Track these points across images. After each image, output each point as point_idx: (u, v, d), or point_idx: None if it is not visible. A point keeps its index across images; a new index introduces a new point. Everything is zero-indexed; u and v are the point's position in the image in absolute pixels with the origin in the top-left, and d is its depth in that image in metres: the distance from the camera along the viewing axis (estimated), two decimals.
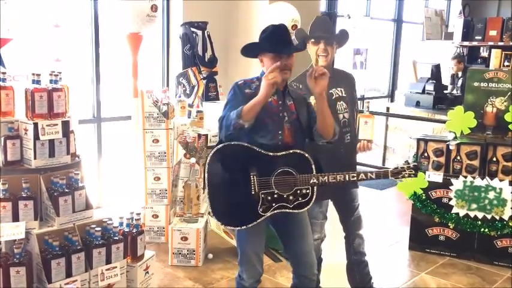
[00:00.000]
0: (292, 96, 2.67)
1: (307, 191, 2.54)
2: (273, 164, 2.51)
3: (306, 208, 2.57)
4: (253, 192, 2.50)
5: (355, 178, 2.60)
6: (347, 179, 2.58)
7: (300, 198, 2.54)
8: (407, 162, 2.68)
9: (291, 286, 2.84)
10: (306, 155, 2.54)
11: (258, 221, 2.52)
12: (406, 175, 2.63)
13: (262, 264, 2.72)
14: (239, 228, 2.58)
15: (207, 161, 2.54)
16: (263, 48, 2.60)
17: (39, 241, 2.91)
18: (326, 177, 2.54)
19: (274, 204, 2.52)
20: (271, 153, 2.51)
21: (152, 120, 4.30)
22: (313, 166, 2.54)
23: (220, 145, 2.54)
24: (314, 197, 2.55)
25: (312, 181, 2.52)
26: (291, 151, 2.54)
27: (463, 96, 6.85)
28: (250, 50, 2.67)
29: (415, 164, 2.67)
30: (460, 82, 7.43)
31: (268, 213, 2.52)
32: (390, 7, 9.01)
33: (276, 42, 2.55)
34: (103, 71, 5.02)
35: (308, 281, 2.71)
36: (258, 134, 2.54)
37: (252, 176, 2.49)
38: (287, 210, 2.54)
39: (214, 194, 2.54)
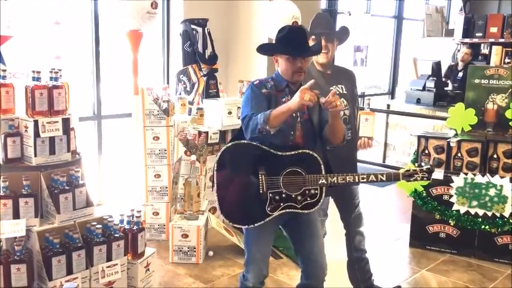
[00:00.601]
0: None
1: (316, 191, 2.52)
2: (282, 164, 2.49)
3: (314, 209, 2.55)
4: (261, 192, 2.48)
5: (365, 180, 2.53)
6: (356, 180, 2.54)
7: (308, 199, 2.52)
8: (420, 165, 2.62)
9: (297, 285, 2.82)
10: (315, 155, 2.51)
11: (266, 220, 2.51)
12: (419, 178, 2.56)
13: (268, 266, 2.71)
14: (247, 227, 2.57)
15: (216, 159, 2.53)
16: (278, 50, 2.60)
17: (40, 238, 2.91)
18: (335, 178, 2.51)
19: (282, 204, 2.51)
20: (280, 153, 2.50)
21: (152, 117, 4.29)
22: (322, 166, 2.51)
23: (230, 144, 2.55)
24: (323, 197, 2.53)
25: (320, 181, 2.50)
26: (300, 151, 2.52)
27: (462, 91, 6.87)
28: (265, 50, 2.69)
29: (429, 167, 2.59)
30: (459, 75, 7.38)
31: (276, 213, 2.51)
32: (391, 4, 9.00)
33: (291, 44, 2.53)
34: (103, 68, 5.01)
35: (317, 282, 2.70)
36: (271, 134, 2.52)
37: (260, 175, 2.48)
38: (295, 210, 2.52)
39: (222, 192, 2.54)
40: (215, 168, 2.54)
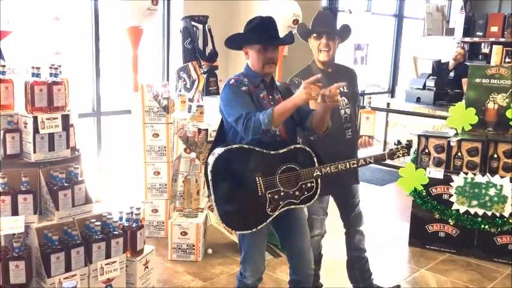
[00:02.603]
0: (279, 90, 2.67)
1: (312, 184, 2.55)
2: (276, 163, 2.49)
3: (312, 201, 2.58)
4: (260, 194, 2.47)
5: (355, 165, 2.63)
6: (348, 166, 2.60)
7: (305, 193, 2.55)
8: (399, 142, 2.76)
9: (288, 281, 2.84)
10: (307, 148, 2.55)
11: (268, 221, 2.51)
12: (400, 154, 2.72)
13: (265, 262, 2.72)
14: (251, 231, 2.52)
15: (210, 168, 2.45)
16: (250, 39, 2.56)
17: (39, 235, 2.90)
18: (328, 168, 2.55)
19: (281, 202, 2.51)
20: (272, 152, 2.49)
21: (152, 114, 4.28)
22: (314, 159, 2.55)
23: (222, 150, 2.47)
24: (319, 189, 2.56)
25: (315, 174, 2.53)
26: (292, 147, 2.53)
27: (452, 90, 6.85)
28: (235, 41, 2.63)
29: (407, 143, 2.74)
30: (451, 74, 7.34)
31: (277, 212, 2.51)
32: (391, 2, 8.98)
33: (263, 33, 2.52)
34: (103, 65, 5.00)
35: (305, 276, 2.72)
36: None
37: (257, 178, 2.47)
38: (295, 206, 2.55)
39: (221, 200, 2.48)
40: (210, 177, 2.45)
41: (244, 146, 2.49)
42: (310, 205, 2.66)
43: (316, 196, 2.58)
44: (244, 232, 2.59)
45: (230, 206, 2.51)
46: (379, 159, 2.72)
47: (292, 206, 2.54)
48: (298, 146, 2.55)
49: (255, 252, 2.65)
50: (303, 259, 2.70)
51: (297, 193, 2.53)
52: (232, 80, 2.61)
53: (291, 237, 2.69)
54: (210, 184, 2.47)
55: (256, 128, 2.39)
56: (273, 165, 2.49)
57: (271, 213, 2.50)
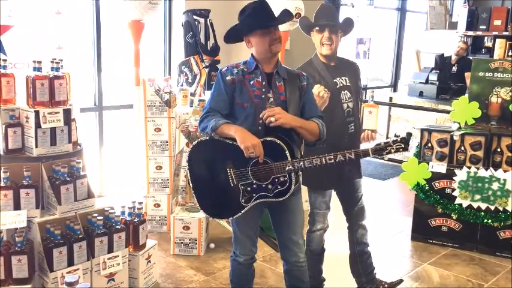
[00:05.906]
0: (284, 77, 2.58)
1: (285, 178, 2.48)
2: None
3: (286, 196, 2.50)
4: (232, 185, 2.51)
5: (332, 161, 2.45)
6: (324, 162, 2.45)
7: (278, 187, 2.49)
8: (395, 135, 2.46)
9: (283, 271, 2.86)
10: (278, 141, 2.44)
11: (242, 211, 2.54)
12: (393, 150, 2.42)
13: (256, 244, 2.75)
14: (226, 220, 2.63)
15: (187, 160, 2.60)
16: (251, 27, 2.52)
17: (41, 230, 2.91)
18: (302, 163, 2.44)
19: (254, 195, 2.51)
20: None
21: (154, 108, 4.27)
22: (286, 152, 2.44)
23: (195, 142, 2.58)
24: (293, 184, 2.49)
25: (287, 168, 2.45)
26: (262, 139, 2.44)
27: (456, 84, 6.84)
28: (234, 34, 2.60)
29: (404, 136, 2.41)
30: (454, 69, 7.31)
31: (250, 204, 2.52)
32: None
33: (262, 17, 2.50)
34: (105, 59, 4.99)
35: (296, 266, 2.74)
36: (237, 120, 2.52)
37: (228, 169, 2.50)
38: (268, 200, 2.51)
39: (198, 189, 2.61)
40: (188, 168, 2.61)
41: (215, 138, 2.50)
42: (295, 201, 2.60)
43: (290, 191, 2.49)
44: (221, 219, 2.66)
45: (207, 194, 2.60)
46: (361, 155, 2.46)
47: (267, 199, 2.51)
48: (268, 138, 2.44)
49: (242, 236, 2.70)
50: (291, 249, 2.70)
51: (269, 186, 2.49)
52: (225, 68, 2.61)
53: (281, 227, 2.71)
54: (188, 174, 2.61)
55: (204, 127, 2.52)
56: (244, 157, 2.44)
57: (245, 205, 2.52)
